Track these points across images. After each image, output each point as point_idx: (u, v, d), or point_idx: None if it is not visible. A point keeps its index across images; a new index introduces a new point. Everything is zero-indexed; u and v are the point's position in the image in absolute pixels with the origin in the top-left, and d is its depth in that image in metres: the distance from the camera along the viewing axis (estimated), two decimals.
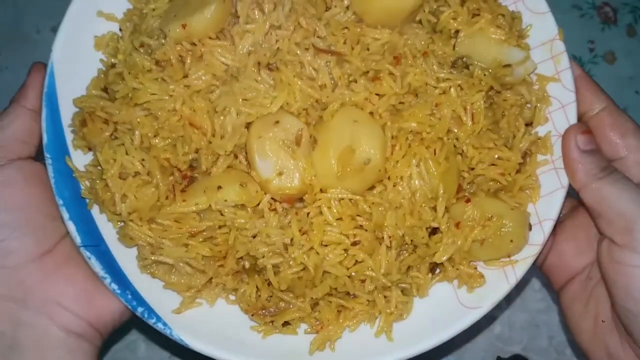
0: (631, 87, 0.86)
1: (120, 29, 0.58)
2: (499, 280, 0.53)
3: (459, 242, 0.52)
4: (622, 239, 0.49)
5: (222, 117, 0.50)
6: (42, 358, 0.49)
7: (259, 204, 0.51)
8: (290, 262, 0.50)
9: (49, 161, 0.53)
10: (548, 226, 0.53)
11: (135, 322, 0.68)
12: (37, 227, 0.50)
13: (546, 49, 0.57)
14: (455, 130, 0.52)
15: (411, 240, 0.52)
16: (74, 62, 0.56)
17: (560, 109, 0.56)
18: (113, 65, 0.56)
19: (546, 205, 0.54)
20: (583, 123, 0.54)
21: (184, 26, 0.50)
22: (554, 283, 0.57)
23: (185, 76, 0.51)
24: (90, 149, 0.54)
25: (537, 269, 0.62)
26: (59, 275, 0.51)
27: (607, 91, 0.73)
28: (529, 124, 0.57)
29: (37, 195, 0.51)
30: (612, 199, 0.50)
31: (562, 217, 0.58)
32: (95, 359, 0.52)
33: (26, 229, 0.50)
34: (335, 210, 0.50)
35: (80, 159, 0.55)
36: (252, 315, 0.53)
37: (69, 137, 0.55)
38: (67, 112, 0.55)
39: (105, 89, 0.55)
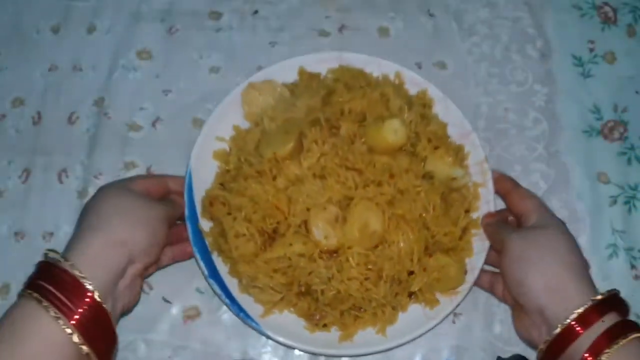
0: (631, 87, 0.83)
1: (229, 148, 0.83)
2: (447, 303, 0.77)
3: (425, 280, 0.74)
4: (501, 252, 0.76)
5: (293, 205, 0.74)
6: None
7: (313, 254, 0.73)
8: (331, 289, 0.72)
9: (188, 225, 0.77)
10: (476, 272, 0.77)
11: (135, 324, 0.77)
12: (153, 256, 0.71)
13: (478, 167, 0.83)
14: (424, 215, 0.75)
15: (398, 278, 0.73)
16: (202, 167, 0.81)
17: (486, 203, 0.82)
18: (227, 171, 0.80)
19: (476, 260, 0.78)
20: (491, 212, 0.84)
21: (273, 153, 0.75)
22: (508, 302, 0.76)
23: (274, 179, 0.75)
24: (212, 219, 0.79)
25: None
26: (136, 281, 0.71)
27: (607, 91, 0.81)
28: (467, 211, 0.80)
29: (164, 238, 0.73)
30: (499, 240, 0.78)
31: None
32: None
33: (150, 249, 0.70)
34: (356, 259, 0.72)
35: (205, 225, 0.79)
36: (305, 319, 0.76)
37: (199, 211, 0.79)
38: (198, 196, 0.79)
39: (222, 184, 0.80)
